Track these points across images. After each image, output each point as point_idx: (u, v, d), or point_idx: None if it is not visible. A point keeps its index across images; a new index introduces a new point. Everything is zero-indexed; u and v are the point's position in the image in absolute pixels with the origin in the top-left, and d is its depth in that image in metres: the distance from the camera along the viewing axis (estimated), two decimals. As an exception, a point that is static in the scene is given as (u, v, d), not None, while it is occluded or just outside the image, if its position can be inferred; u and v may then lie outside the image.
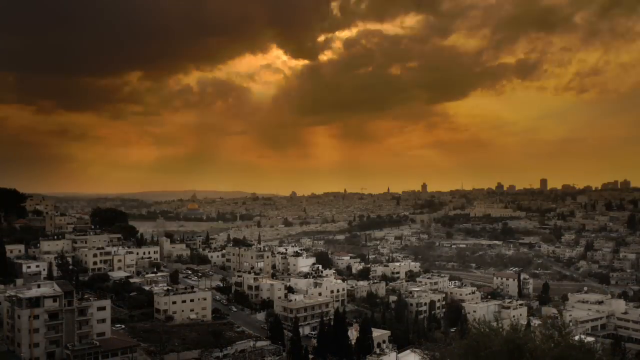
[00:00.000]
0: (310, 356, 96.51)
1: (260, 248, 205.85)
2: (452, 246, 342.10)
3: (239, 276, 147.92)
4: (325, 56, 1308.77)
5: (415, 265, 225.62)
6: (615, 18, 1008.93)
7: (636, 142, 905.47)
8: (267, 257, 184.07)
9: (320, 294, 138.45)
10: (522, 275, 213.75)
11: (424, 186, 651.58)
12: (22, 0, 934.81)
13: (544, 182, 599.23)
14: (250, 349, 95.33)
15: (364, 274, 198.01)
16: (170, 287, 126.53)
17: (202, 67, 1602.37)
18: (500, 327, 28.57)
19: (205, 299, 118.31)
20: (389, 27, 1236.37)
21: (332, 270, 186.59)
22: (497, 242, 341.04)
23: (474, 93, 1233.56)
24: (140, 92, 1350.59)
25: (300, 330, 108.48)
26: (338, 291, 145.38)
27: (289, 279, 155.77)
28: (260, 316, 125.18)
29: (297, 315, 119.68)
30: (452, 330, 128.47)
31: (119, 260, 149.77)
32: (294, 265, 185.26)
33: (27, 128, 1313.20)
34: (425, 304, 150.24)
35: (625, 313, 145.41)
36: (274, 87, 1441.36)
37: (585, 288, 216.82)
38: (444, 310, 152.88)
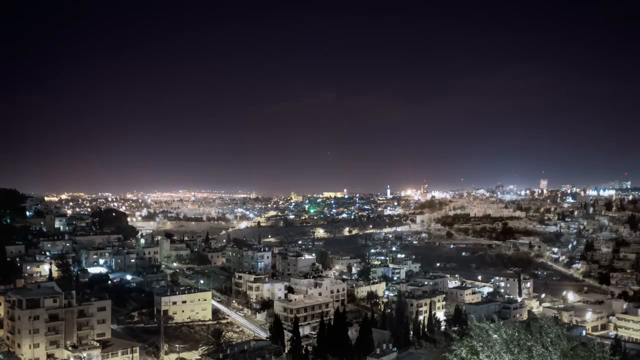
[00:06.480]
0: (310, 356, 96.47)
1: (260, 248, 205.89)
2: (452, 246, 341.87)
3: (239, 276, 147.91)
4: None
5: (415, 266, 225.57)
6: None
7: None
8: (267, 257, 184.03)
9: (320, 294, 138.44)
10: (522, 275, 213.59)
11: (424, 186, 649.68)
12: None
13: (543, 182, 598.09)
14: (250, 349, 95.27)
15: (364, 274, 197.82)
16: (170, 287, 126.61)
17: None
18: (500, 327, 28.56)
19: (205, 299, 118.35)
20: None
21: (332, 270, 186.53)
22: (497, 242, 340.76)
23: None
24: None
25: (300, 330, 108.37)
26: (338, 291, 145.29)
27: (289, 279, 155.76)
28: (260, 316, 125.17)
29: (297, 315, 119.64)
30: (452, 330, 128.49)
31: (119, 261, 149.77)
32: (294, 265, 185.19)
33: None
34: (425, 304, 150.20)
35: (625, 313, 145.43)
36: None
37: (585, 288, 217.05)
38: (443, 310, 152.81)
